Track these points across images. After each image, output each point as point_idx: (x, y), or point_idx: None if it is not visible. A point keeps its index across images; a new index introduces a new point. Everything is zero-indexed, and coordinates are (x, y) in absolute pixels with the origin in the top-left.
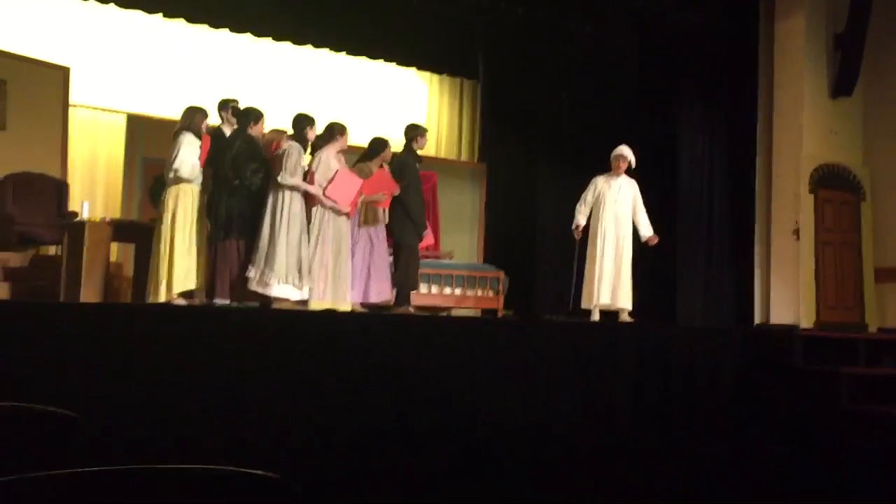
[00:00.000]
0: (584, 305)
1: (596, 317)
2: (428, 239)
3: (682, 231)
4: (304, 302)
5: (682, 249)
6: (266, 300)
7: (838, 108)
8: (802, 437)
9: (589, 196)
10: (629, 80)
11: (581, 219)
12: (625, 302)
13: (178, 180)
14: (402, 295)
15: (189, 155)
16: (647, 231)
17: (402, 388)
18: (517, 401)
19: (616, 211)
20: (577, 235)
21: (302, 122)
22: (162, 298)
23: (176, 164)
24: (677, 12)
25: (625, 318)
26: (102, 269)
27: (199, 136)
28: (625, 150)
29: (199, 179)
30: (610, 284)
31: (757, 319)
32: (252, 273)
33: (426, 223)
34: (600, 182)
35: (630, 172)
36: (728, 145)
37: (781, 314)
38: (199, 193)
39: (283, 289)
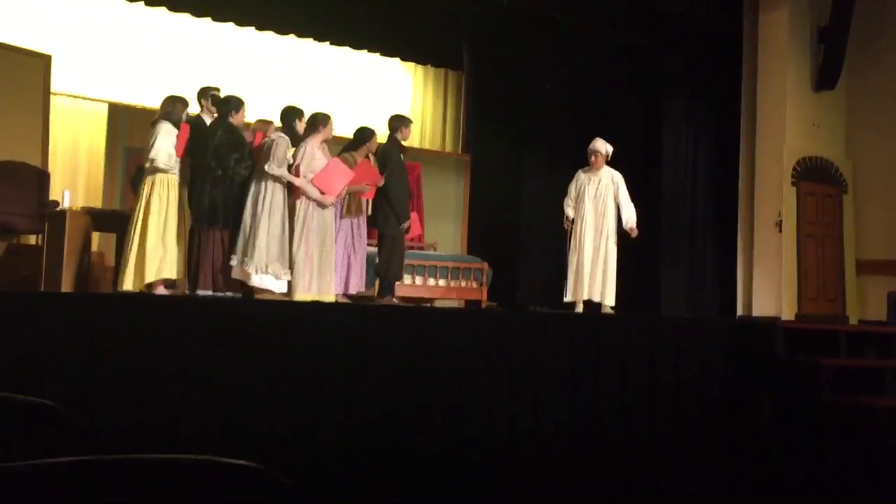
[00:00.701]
0: (566, 298)
1: (580, 309)
2: (416, 228)
3: (666, 222)
4: (286, 293)
5: (665, 241)
6: (249, 291)
7: (821, 102)
8: (785, 428)
9: (572, 190)
10: (614, 72)
11: (570, 212)
12: (607, 298)
13: (155, 170)
14: (385, 286)
15: (165, 144)
16: (628, 219)
17: (387, 379)
18: (502, 392)
19: (596, 205)
20: (567, 227)
21: (291, 114)
22: (129, 287)
23: (152, 154)
24: (663, 3)
25: (606, 309)
26: (83, 258)
27: (177, 125)
28: (598, 144)
29: (176, 169)
30: (589, 278)
31: (739, 311)
32: (234, 262)
33: (409, 214)
34: (581, 176)
35: (614, 164)
36: (712, 137)
37: (764, 305)
38: (178, 183)
39: (263, 279)
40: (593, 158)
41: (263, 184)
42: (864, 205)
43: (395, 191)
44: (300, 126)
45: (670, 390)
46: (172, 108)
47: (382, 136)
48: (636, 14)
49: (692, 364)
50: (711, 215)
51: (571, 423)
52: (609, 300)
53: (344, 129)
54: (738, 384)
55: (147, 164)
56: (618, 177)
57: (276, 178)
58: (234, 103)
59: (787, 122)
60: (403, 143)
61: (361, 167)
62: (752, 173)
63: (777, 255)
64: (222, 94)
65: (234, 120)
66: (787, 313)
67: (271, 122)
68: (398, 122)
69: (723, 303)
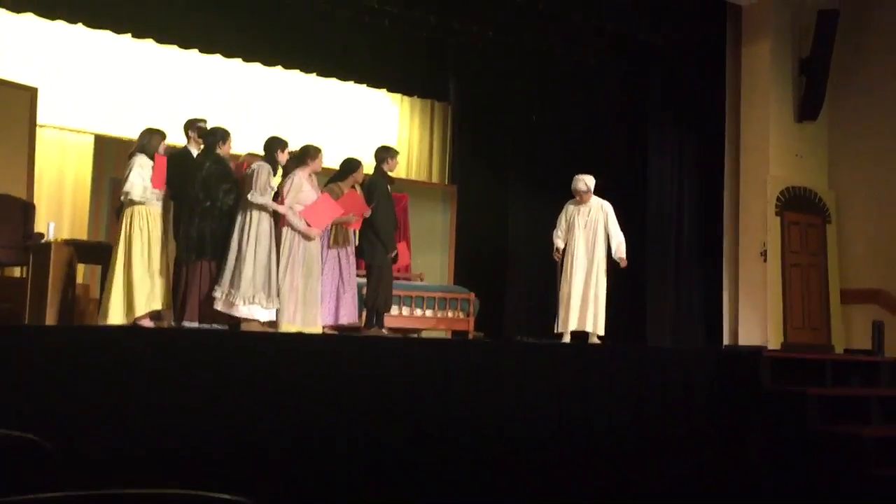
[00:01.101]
0: (558, 329)
1: (567, 339)
2: (404, 258)
3: (652, 252)
4: (273, 323)
5: (651, 271)
6: (235, 322)
7: (804, 132)
8: (772, 458)
9: (562, 221)
10: (599, 103)
11: (559, 242)
12: (597, 327)
13: (131, 202)
14: (373, 316)
15: (139, 177)
16: (618, 248)
17: (374, 410)
18: (489, 422)
19: (587, 235)
20: (558, 258)
21: (273, 144)
22: (116, 320)
23: (126, 187)
24: (647, 35)
25: (593, 339)
26: (68, 290)
27: (152, 157)
28: (579, 185)
29: (155, 200)
30: (580, 308)
31: (725, 340)
32: (217, 293)
33: (395, 244)
34: (570, 208)
35: (599, 194)
36: (696, 167)
37: (749, 335)
38: (161, 214)
39: (252, 308)
40: (578, 198)
41: (248, 214)
42: (847, 234)
43: (382, 221)
44: (282, 157)
45: (657, 420)
46: (148, 140)
47: (369, 166)
48: (620, 45)
49: (679, 393)
50: (697, 245)
51: (559, 452)
52: (599, 329)
53: (331, 159)
54: (725, 414)
55: (122, 198)
56: (607, 206)
57: (261, 207)
58: (221, 134)
59: (771, 152)
60: (390, 173)
61: (348, 198)
62: (736, 203)
63: (762, 285)
64: (209, 126)
65: (221, 151)
66: (773, 343)
67: (259, 157)
68: (385, 153)
69: (709, 332)
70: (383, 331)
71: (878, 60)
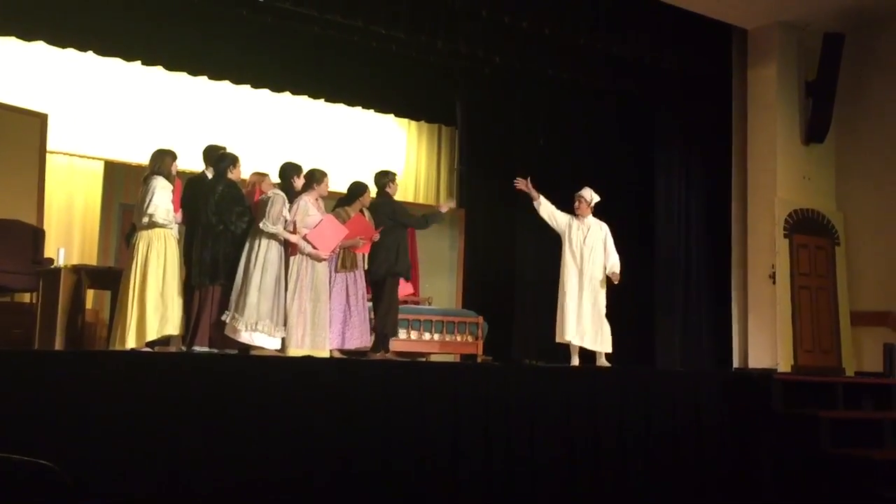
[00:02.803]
0: (557, 339)
1: (576, 361)
2: (406, 288)
3: (660, 275)
4: (281, 347)
5: (660, 293)
6: (245, 347)
7: (811, 155)
8: (783, 480)
9: (558, 215)
10: (606, 126)
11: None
12: (605, 344)
13: (153, 225)
14: (380, 340)
15: (163, 199)
16: (613, 265)
17: (382, 434)
18: (499, 446)
19: (587, 253)
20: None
21: (289, 170)
22: (129, 345)
23: (150, 209)
24: (654, 58)
25: (602, 361)
26: (78, 316)
27: (170, 179)
28: (584, 192)
29: (173, 224)
30: (581, 325)
31: (735, 363)
32: (226, 317)
33: (409, 261)
34: (574, 223)
35: (608, 216)
36: (704, 190)
37: (759, 358)
38: (175, 238)
39: (255, 336)
40: (577, 203)
41: (258, 240)
42: (856, 256)
43: (392, 242)
44: (298, 182)
45: (667, 443)
46: (161, 162)
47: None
48: (627, 69)
49: (689, 417)
50: (705, 268)
51: (569, 475)
52: (606, 346)
53: (339, 184)
54: (735, 436)
55: (144, 220)
56: (605, 226)
57: (272, 235)
58: (231, 159)
59: (778, 175)
60: (395, 196)
61: (355, 222)
62: (744, 226)
63: (771, 307)
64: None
65: (233, 175)
66: (783, 365)
67: (266, 175)
68: (384, 178)
69: (718, 355)
70: (388, 354)
71: (884, 82)
